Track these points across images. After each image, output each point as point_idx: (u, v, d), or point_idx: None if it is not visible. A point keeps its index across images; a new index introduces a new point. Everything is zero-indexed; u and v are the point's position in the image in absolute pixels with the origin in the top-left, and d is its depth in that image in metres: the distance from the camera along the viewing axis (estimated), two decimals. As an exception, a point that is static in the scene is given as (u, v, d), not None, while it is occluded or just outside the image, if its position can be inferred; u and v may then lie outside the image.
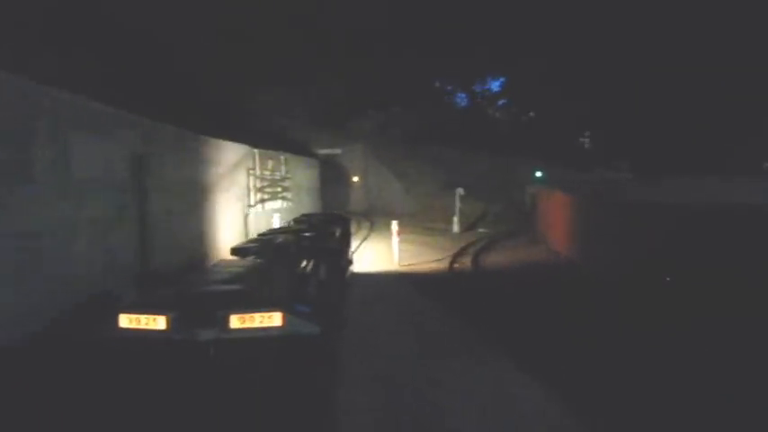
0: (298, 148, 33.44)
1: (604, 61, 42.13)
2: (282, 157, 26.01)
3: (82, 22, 16.73)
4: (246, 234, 18.96)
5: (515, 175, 41.86)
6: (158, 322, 5.35)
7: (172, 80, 22.12)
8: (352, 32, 29.94)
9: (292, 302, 5.86)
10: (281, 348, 5.47)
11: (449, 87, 50.57)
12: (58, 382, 6.39)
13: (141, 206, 11.26)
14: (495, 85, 58.40)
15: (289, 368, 5.51)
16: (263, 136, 27.59)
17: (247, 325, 5.36)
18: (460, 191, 29.27)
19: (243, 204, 19.71)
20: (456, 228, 29.45)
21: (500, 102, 56.39)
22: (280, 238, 9.72)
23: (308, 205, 31.32)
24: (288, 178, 26.60)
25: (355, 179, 39.48)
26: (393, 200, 37.84)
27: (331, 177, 39.79)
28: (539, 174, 27.10)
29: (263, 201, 22.02)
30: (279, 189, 24.92)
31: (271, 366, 5.48)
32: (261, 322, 5.38)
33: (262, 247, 8.92)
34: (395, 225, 20.65)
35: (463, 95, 53.51)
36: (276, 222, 21.49)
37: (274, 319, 5.38)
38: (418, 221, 33.84)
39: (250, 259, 8.30)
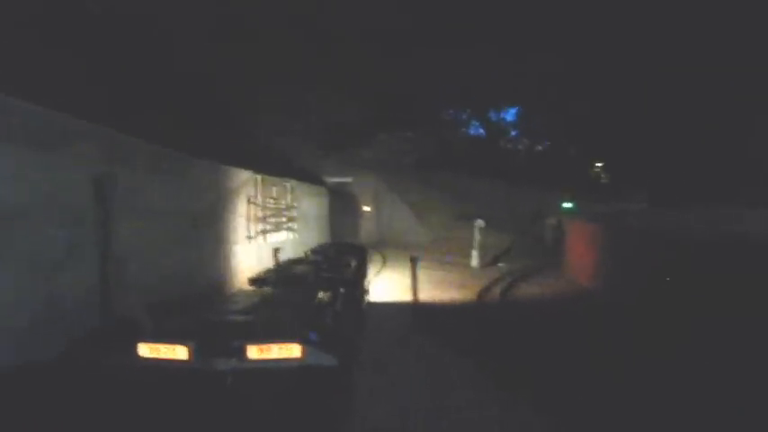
0: (304, 174, 31.31)
1: (619, 88, 39.95)
2: (288, 185, 23.83)
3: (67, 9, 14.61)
4: (235, 270, 16.68)
5: (532, 205, 39.61)
6: (177, 352, 5.26)
7: (169, 89, 20.03)
8: (365, 51, 27.95)
9: (310, 334, 5.73)
10: (298, 379, 5.36)
11: (463, 116, 48.51)
12: (73, 410, 5.90)
13: (104, 239, 8.98)
14: (509, 115, 56.66)
15: (306, 399, 5.40)
16: (267, 160, 25.45)
17: (265, 356, 5.29)
18: (480, 223, 26.90)
19: (241, 236, 17.46)
20: (475, 262, 26.99)
21: (513, 132, 54.55)
22: (297, 269, 9.83)
23: (315, 236, 29.04)
24: (293, 207, 24.38)
25: (366, 209, 37.24)
26: (405, 231, 35.53)
27: (340, 207, 37.55)
28: (568, 204, 24.63)
29: (264, 232, 19.79)
30: (284, 219, 22.69)
31: (288, 397, 5.36)
32: (279, 353, 5.31)
33: (279, 278, 9.03)
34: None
35: (477, 124, 51.60)
36: (275, 254, 19.19)
37: (293, 351, 5.31)
38: (433, 254, 31.46)
39: (267, 289, 8.36)
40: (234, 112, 26.25)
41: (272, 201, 20.96)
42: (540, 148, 57.37)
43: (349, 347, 7.52)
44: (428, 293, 18.50)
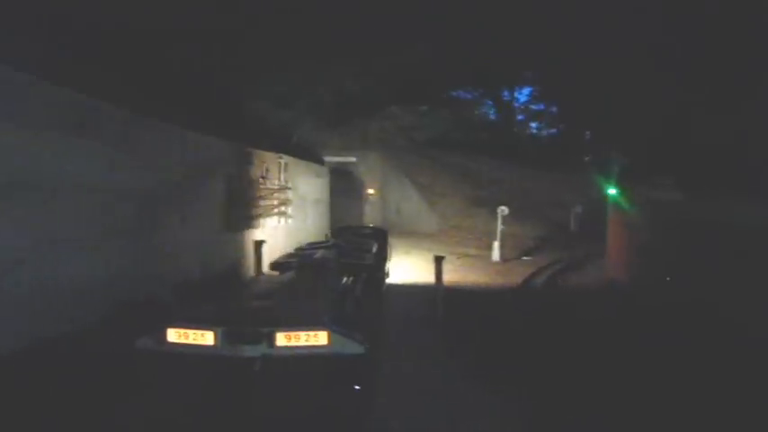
0: (303, 152, 27.40)
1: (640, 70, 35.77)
2: (282, 161, 19.91)
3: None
4: (208, 268, 12.98)
5: (552, 191, 35.67)
6: (206, 337, 5.23)
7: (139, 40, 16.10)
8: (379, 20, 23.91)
9: (336, 321, 5.65)
10: (324, 366, 5.28)
11: (476, 95, 44.28)
12: (103, 391, 5.94)
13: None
14: (522, 95, 52.58)
15: (331, 386, 5.32)
16: (260, 134, 21.52)
17: (293, 343, 5.26)
18: (504, 210, 23.00)
19: (216, 224, 13.63)
20: (496, 255, 23.08)
21: (521, 116, 50.50)
22: (319, 253, 9.52)
23: (313, 222, 25.16)
24: (288, 188, 20.49)
25: (371, 191, 33.29)
26: (414, 217, 31.58)
27: (342, 189, 33.66)
28: (613, 191, 20.53)
29: (251, 218, 15.95)
30: (275, 202, 18.82)
31: (314, 383, 5.28)
32: (307, 340, 5.27)
33: (301, 263, 8.87)
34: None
35: (490, 103, 47.47)
36: (256, 249, 15.39)
37: (320, 338, 5.27)
38: (445, 244, 27.61)
39: (291, 274, 8.32)
40: (227, 78, 22.17)
41: (261, 181, 17.11)
42: (553, 130, 53.57)
43: (373, 334, 6.91)
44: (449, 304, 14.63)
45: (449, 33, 31.31)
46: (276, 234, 18.67)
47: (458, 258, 22.90)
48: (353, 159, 33.12)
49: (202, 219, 12.73)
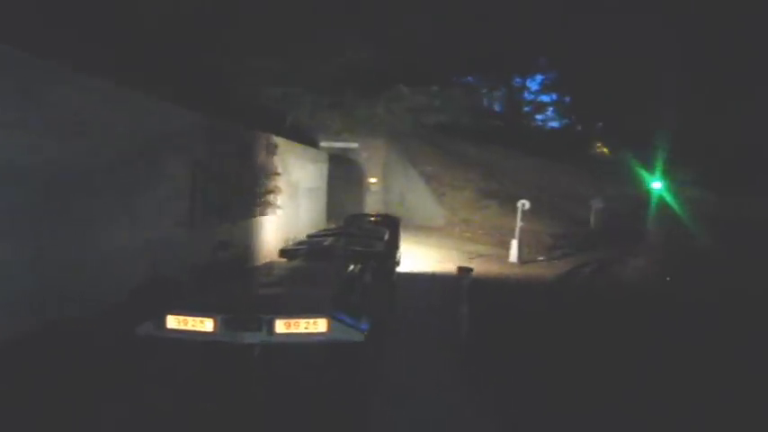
0: (298, 135, 24.47)
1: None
2: (270, 143, 16.94)
3: None
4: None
5: (568, 184, 32.70)
6: (205, 324, 5.21)
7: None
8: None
9: (338, 309, 5.53)
10: (324, 354, 5.27)
11: (486, 80, 41.14)
12: (102, 376, 6.02)
13: None
14: (534, 84, 49.57)
15: (330, 373, 5.28)
16: (247, 112, 18.54)
17: (293, 330, 5.20)
18: (525, 204, 20.01)
19: (176, 219, 10.70)
20: (514, 255, 20.07)
21: (527, 108, 47.58)
22: (328, 241, 9.67)
23: (308, 213, 22.19)
24: (278, 175, 17.53)
25: (372, 180, 30.26)
26: (420, 209, 28.52)
27: (341, 177, 30.69)
28: (657, 184, 17.50)
29: (226, 210, 13.02)
30: (261, 191, 15.89)
31: (313, 371, 5.27)
32: (306, 328, 5.21)
33: (310, 250, 8.98)
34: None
35: (500, 93, 44.42)
36: (215, 252, 12.60)
37: (319, 325, 5.20)
38: (454, 240, 24.69)
39: (298, 261, 8.31)
40: (211, 47, 19.11)
41: (241, 165, 14.17)
42: (565, 121, 50.55)
43: (377, 323, 6.37)
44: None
45: (461, 12, 28.30)
46: (260, 229, 15.73)
47: (470, 259, 19.92)
48: (355, 145, 30.15)
49: (154, 212, 9.80)
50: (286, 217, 18.44)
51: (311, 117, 25.61)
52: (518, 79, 46.51)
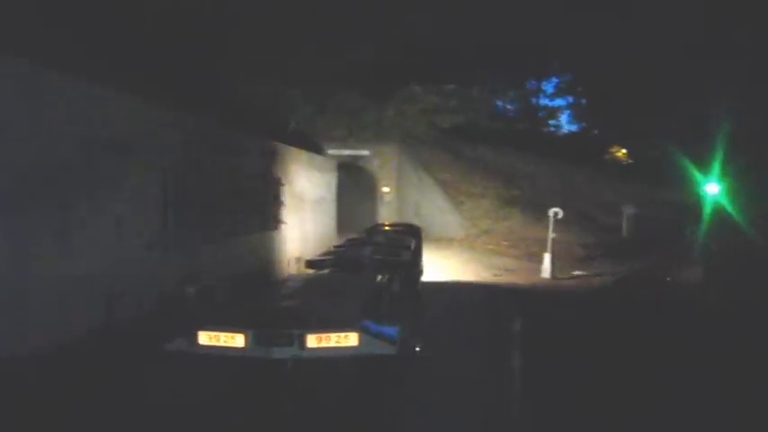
0: (302, 141, 22.37)
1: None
2: (271, 148, 14.84)
3: None
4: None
5: (594, 190, 30.35)
6: (236, 340, 5.14)
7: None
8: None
9: (369, 322, 5.42)
10: (355, 367, 5.35)
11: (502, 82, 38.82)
12: (133, 391, 5.98)
13: None
14: (549, 87, 47.17)
15: (363, 387, 5.34)
16: (244, 115, 16.41)
17: (324, 344, 5.12)
18: (558, 213, 17.74)
19: (144, 238, 8.56)
20: (547, 270, 17.74)
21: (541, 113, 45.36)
22: (356, 251, 9.66)
23: (315, 227, 20.02)
24: (280, 185, 15.40)
25: (386, 190, 28.03)
26: (436, 219, 26.22)
27: (351, 187, 28.53)
28: (713, 188, 15.07)
29: (212, 227, 10.86)
30: (258, 203, 13.75)
31: (344, 384, 5.33)
32: (337, 342, 5.11)
33: (337, 260, 8.89)
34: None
35: (515, 94, 42.04)
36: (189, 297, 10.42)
37: (350, 339, 5.10)
38: (476, 253, 22.46)
39: (325, 273, 8.27)
40: (209, 45, 17.01)
41: (231, 174, 12.04)
42: (583, 124, 48.23)
43: (406, 335, 6.04)
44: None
45: (475, 11, 26.13)
46: (257, 249, 13.56)
47: (496, 275, 17.66)
48: (366, 153, 27.98)
49: (110, 231, 7.65)
50: (290, 232, 16.29)
51: (315, 121, 23.46)
52: (533, 82, 44.34)
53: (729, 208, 14.44)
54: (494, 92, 29.92)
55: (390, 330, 5.40)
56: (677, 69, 26.92)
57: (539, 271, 18.17)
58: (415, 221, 23.63)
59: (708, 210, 15.01)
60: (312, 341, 5.11)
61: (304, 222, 18.50)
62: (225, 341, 5.18)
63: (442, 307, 11.77)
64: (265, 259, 14.07)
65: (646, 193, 29.24)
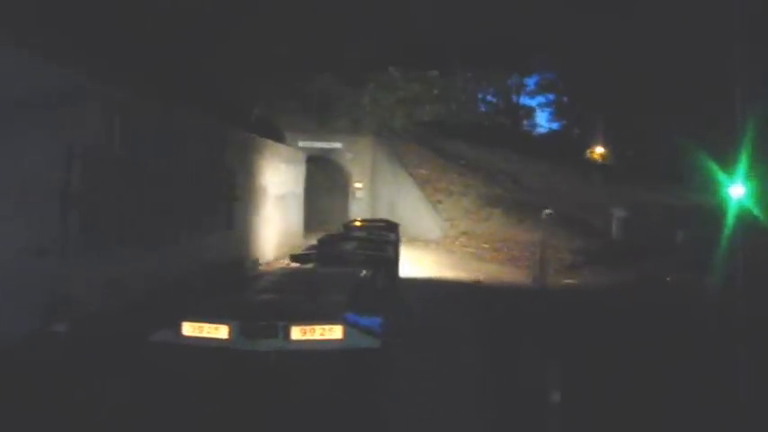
0: (267, 130, 20.26)
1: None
2: (223, 134, 12.71)
3: None
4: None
5: (579, 190, 28.61)
6: (220, 331, 5.11)
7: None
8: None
9: (353, 315, 5.41)
10: (339, 360, 5.16)
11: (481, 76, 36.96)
12: (118, 382, 5.84)
13: None
14: (530, 84, 45.49)
15: (346, 380, 5.18)
16: (199, 99, 14.23)
17: (308, 337, 5.13)
18: (551, 213, 15.90)
19: (37, 239, 6.42)
20: (537, 278, 15.74)
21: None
22: (340, 246, 9.81)
23: (278, 226, 17.94)
24: (228, 177, 13.26)
25: (358, 185, 25.94)
26: (413, 219, 24.18)
27: (322, 182, 26.41)
28: (738, 189, 13.14)
29: (128, 228, 8.73)
30: (205, 198, 11.63)
31: (329, 378, 5.16)
32: (321, 334, 5.13)
33: (322, 255, 9.04)
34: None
35: (493, 90, 40.21)
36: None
37: (335, 332, 5.12)
38: (455, 257, 20.51)
39: (311, 267, 8.39)
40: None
41: (164, 160, 9.92)
42: (562, 122, 46.74)
43: (390, 328, 6.38)
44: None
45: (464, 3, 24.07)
46: (197, 254, 11.41)
47: (477, 281, 15.74)
48: (338, 145, 25.90)
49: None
50: (248, 231, 14.20)
51: (284, 110, 21.30)
52: (514, 78, 42.57)
53: (757, 211, 12.61)
54: (477, 82, 27.72)
55: (373, 324, 5.40)
56: (689, 66, 25.25)
57: (524, 277, 16.26)
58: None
59: (732, 213, 13.11)
60: (297, 333, 5.07)
61: (267, 220, 16.41)
62: (209, 332, 5.11)
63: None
64: (216, 263, 11.96)
65: (633, 195, 27.62)
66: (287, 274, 7.73)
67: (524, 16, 28.83)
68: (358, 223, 15.78)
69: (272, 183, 17.39)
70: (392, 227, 15.05)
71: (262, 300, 6.06)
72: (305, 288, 6.55)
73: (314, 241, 12.93)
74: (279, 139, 21.50)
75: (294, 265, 9.07)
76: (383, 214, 22.56)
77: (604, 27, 29.86)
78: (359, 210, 24.48)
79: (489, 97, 39.48)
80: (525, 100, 45.45)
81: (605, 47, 31.44)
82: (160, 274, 9.47)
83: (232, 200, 13.04)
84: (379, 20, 18.65)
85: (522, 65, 40.82)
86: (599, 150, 39.86)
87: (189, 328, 5.17)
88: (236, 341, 5.10)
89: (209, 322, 5.15)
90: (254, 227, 15.09)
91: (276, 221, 18.02)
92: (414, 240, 22.49)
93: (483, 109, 37.84)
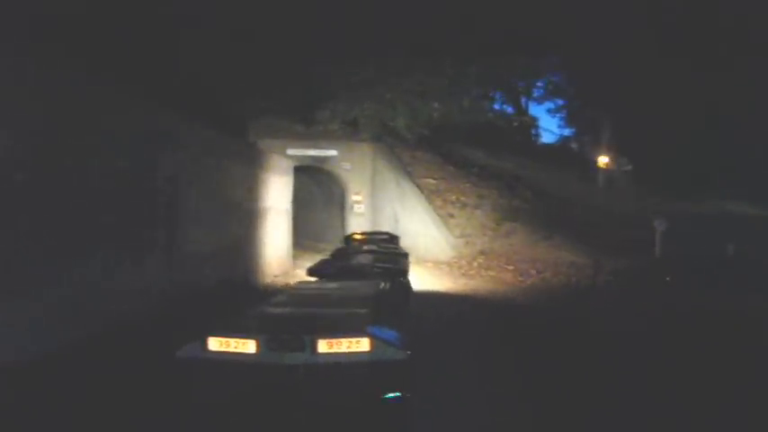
0: (246, 132, 16.57)
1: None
2: (168, 126, 8.94)
3: None
4: None
5: (607, 201, 24.75)
6: (248, 346, 4.98)
7: None
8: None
9: (379, 327, 5.34)
10: (366, 373, 5.01)
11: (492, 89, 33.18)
12: (142, 398, 5.81)
13: None
14: (537, 90, 41.80)
15: (374, 393, 5.02)
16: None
17: (335, 350, 4.97)
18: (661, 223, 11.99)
19: None
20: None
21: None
22: (355, 259, 9.79)
23: (255, 248, 14.14)
24: (166, 189, 9.45)
25: (357, 198, 22.07)
26: (420, 236, 20.26)
27: (313, 195, 22.68)
28: None
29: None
30: (132, 211, 7.84)
31: (357, 391, 5.02)
32: (348, 347, 4.97)
33: (339, 268, 9.00)
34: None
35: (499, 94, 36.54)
36: None
37: (362, 345, 4.96)
38: (474, 282, 16.58)
39: (330, 281, 8.27)
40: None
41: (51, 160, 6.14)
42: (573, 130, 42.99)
43: (413, 340, 5.81)
44: None
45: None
46: (115, 289, 7.57)
47: (499, 316, 11.84)
48: (333, 153, 22.13)
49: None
50: (196, 262, 10.35)
51: (267, 110, 17.52)
52: (522, 83, 38.92)
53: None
54: (491, 81, 23.86)
55: (394, 336, 5.31)
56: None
57: (571, 309, 12.35)
58: (393, 239, 17.77)
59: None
60: (324, 347, 4.92)
61: (235, 241, 12.58)
62: (236, 347, 4.96)
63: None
64: (134, 312, 8.10)
65: (662, 205, 23.76)
66: (309, 289, 7.65)
67: (532, 14, 25.17)
68: (358, 236, 14.93)
69: (246, 196, 13.62)
70: (392, 239, 14.77)
71: (288, 313, 5.92)
72: (329, 302, 6.43)
73: (307, 264, 12.11)
74: (268, 145, 17.86)
75: (311, 279, 8.91)
76: (386, 230, 18.73)
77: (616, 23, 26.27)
78: (358, 226, 20.55)
79: (497, 104, 35.71)
80: (534, 107, 42.19)
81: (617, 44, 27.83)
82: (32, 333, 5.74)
83: (174, 218, 9.21)
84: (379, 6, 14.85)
85: (531, 65, 37.25)
86: (604, 160, 36.49)
87: (215, 344, 4.99)
88: (264, 355, 4.93)
89: (236, 337, 4.99)
90: (213, 253, 11.28)
91: (255, 243, 14.24)
92: (422, 260, 18.66)
93: (497, 107, 34.29)
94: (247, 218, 14.03)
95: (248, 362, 4.96)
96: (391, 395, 5.03)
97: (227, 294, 10.84)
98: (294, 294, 7.13)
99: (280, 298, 6.94)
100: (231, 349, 4.98)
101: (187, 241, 9.83)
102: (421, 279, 15.63)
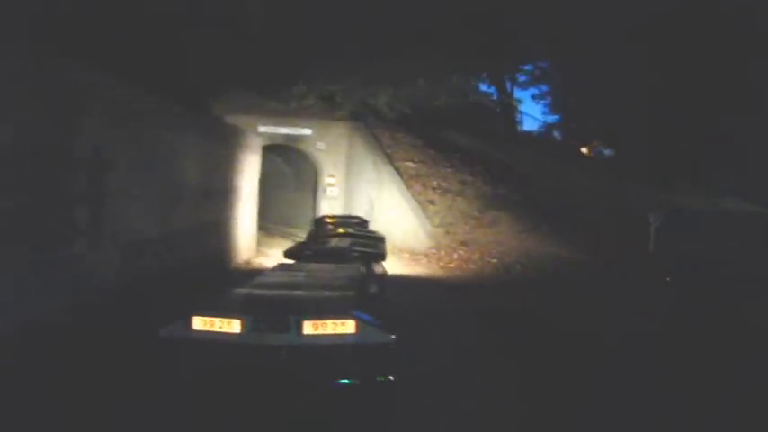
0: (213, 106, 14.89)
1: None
2: (92, 86, 7.24)
3: None
4: None
5: (594, 191, 23.38)
6: (232, 325, 4.97)
7: None
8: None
9: (363, 310, 5.29)
10: (351, 355, 4.99)
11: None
12: (126, 377, 5.73)
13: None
14: (522, 76, 40.28)
15: (359, 375, 4.99)
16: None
17: (320, 331, 4.98)
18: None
19: None
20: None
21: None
22: (334, 242, 9.69)
23: (211, 235, 12.52)
24: (91, 162, 7.77)
25: (331, 181, 20.43)
26: (397, 224, 18.71)
27: (286, 176, 21.04)
28: None
29: None
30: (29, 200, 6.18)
31: (340, 372, 4.99)
32: (334, 329, 4.97)
33: (317, 251, 8.87)
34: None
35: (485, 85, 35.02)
36: None
37: (348, 327, 4.96)
38: (450, 276, 15.15)
39: (309, 263, 7.98)
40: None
41: None
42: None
43: (396, 322, 5.78)
44: None
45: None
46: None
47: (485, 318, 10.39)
48: (307, 132, 20.49)
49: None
50: (126, 250, 8.68)
51: (234, 84, 15.79)
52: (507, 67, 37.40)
53: None
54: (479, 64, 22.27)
55: (378, 321, 5.19)
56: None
57: (570, 315, 10.90)
58: (369, 226, 16.21)
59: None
60: (309, 328, 4.92)
61: (190, 224, 10.94)
62: (220, 326, 4.93)
63: None
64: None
65: (655, 199, 22.44)
66: (291, 270, 7.26)
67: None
68: (329, 219, 14.57)
69: (205, 175, 11.98)
70: (364, 224, 14.41)
71: (272, 294, 5.69)
72: (312, 284, 6.21)
73: (274, 251, 12.17)
74: (228, 117, 16.15)
75: (288, 261, 8.62)
76: (360, 215, 17.16)
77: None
78: (330, 210, 18.94)
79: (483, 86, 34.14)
80: (518, 92, 40.60)
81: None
82: None
83: (94, 205, 7.53)
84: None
85: (516, 52, 35.69)
86: (584, 150, 35.17)
87: (200, 323, 4.94)
88: (248, 335, 4.90)
89: (221, 316, 4.95)
90: (160, 239, 9.64)
91: (214, 227, 12.63)
92: (399, 250, 17.14)
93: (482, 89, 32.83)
94: (205, 199, 12.37)
95: (233, 341, 4.89)
96: (379, 378, 4.94)
97: (174, 286, 9.26)
98: (277, 275, 7.01)
99: (262, 279, 6.76)
100: (216, 329, 4.91)
101: (118, 223, 8.17)
102: (397, 270, 14.14)
